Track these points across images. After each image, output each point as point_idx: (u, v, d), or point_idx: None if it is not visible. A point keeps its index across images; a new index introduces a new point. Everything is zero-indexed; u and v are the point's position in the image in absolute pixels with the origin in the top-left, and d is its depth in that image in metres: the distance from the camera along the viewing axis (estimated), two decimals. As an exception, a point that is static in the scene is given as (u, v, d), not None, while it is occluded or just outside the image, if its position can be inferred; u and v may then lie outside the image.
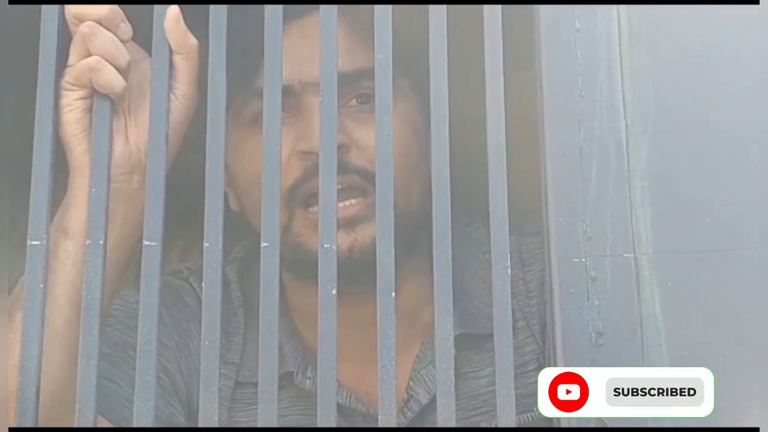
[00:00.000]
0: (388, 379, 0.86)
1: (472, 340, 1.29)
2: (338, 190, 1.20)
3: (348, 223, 1.23)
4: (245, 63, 0.93)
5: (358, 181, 1.23)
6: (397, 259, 0.88)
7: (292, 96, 1.25)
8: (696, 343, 0.88)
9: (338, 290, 0.87)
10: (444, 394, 0.85)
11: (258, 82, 0.91)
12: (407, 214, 1.24)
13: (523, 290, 1.35)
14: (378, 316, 0.86)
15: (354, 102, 1.27)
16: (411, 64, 1.07)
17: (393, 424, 0.84)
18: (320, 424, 0.83)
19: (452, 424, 0.84)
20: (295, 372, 1.30)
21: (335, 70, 0.90)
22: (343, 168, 1.20)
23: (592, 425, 0.86)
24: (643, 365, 0.88)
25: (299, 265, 1.24)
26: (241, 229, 1.30)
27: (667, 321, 0.89)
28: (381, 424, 0.84)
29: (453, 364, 0.86)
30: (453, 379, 0.85)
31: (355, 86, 1.26)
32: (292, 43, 1.20)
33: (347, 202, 1.23)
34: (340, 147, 1.21)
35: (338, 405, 1.26)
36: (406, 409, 1.30)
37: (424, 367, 1.31)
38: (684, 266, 0.89)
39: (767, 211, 0.90)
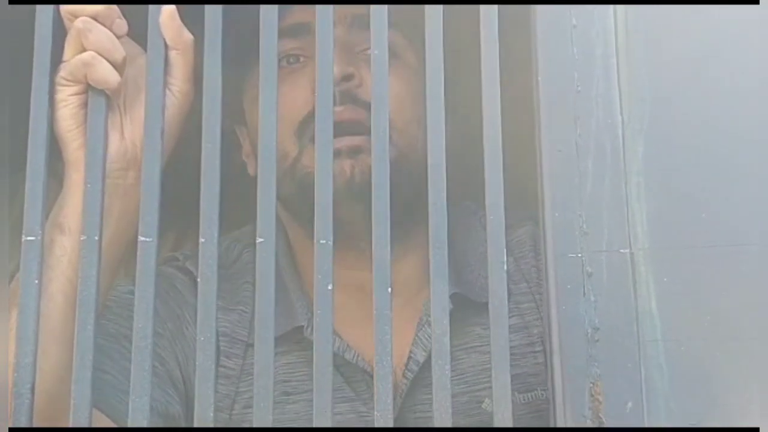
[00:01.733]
0: (384, 374, 0.86)
1: (468, 305, 1.31)
2: (345, 122, 1.22)
3: (351, 151, 1.25)
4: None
5: (365, 115, 1.24)
6: (401, 225, 0.88)
7: (310, 34, 1.26)
8: (692, 339, 0.88)
9: (338, 224, 0.87)
10: (440, 381, 0.85)
11: (282, 23, 0.91)
12: (409, 159, 1.27)
13: (534, 277, 1.37)
14: (374, 312, 0.86)
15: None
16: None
17: (390, 423, 0.84)
18: (316, 424, 0.83)
19: (447, 386, 0.85)
20: (305, 326, 1.31)
21: (331, 69, 0.90)
22: (352, 99, 1.26)
23: (589, 425, 0.86)
24: (639, 361, 0.88)
25: (304, 205, 1.25)
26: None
27: (663, 317, 0.89)
28: (377, 423, 0.84)
29: (448, 327, 0.86)
30: (448, 347, 0.85)
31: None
32: None
33: (353, 138, 1.25)
34: (351, 77, 1.26)
35: (346, 362, 1.30)
36: (407, 371, 1.31)
37: (421, 329, 1.32)
38: (680, 262, 0.89)
39: (764, 207, 0.90)
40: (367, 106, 1.22)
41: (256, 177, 1.30)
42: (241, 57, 1.20)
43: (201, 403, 0.86)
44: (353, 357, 1.31)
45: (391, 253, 0.87)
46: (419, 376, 1.31)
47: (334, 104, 0.91)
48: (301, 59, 1.31)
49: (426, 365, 1.30)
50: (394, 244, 0.88)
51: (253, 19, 0.92)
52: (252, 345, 1.28)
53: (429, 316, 1.28)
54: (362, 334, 1.29)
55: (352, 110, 1.26)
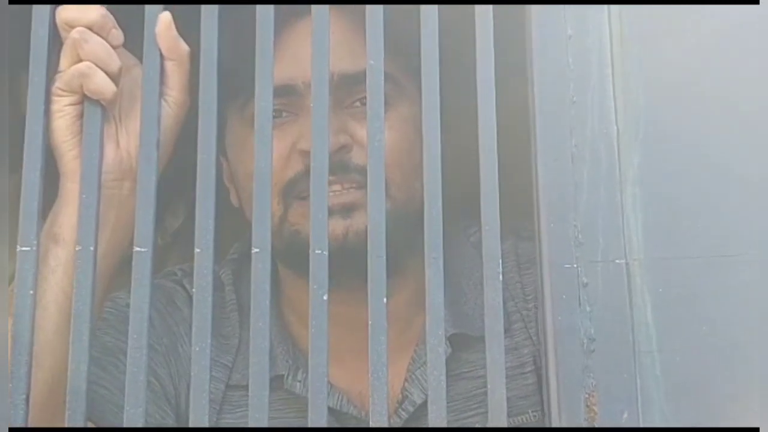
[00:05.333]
0: (379, 385, 0.85)
1: (467, 341, 1.30)
2: (339, 190, 1.21)
3: (344, 209, 1.23)
4: (249, 59, 0.92)
5: (359, 179, 1.23)
6: (395, 261, 0.88)
7: (295, 95, 1.26)
8: (688, 349, 0.88)
9: (332, 282, 0.87)
10: (435, 400, 0.85)
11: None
12: (407, 211, 1.25)
13: (520, 293, 1.35)
14: (369, 322, 0.86)
15: (358, 104, 1.27)
16: (419, 67, 1.08)
17: (385, 423, 0.83)
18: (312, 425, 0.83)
19: (443, 386, 0.84)
20: (285, 375, 1.29)
21: (327, 72, 0.90)
22: (344, 168, 1.24)
23: (585, 425, 0.86)
24: (634, 371, 0.88)
25: (295, 257, 1.24)
26: (236, 228, 1.30)
27: (658, 327, 0.89)
28: (372, 423, 0.84)
29: (444, 369, 0.86)
30: (444, 385, 0.85)
31: (359, 88, 1.25)
32: (297, 41, 1.22)
33: (345, 190, 1.24)
34: (342, 147, 1.23)
35: (330, 409, 1.26)
36: (400, 410, 1.29)
37: (419, 368, 1.30)
38: (676, 272, 0.90)
39: (759, 217, 0.90)
40: (357, 170, 1.22)
41: (237, 206, 1.31)
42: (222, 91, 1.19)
43: (195, 411, 0.85)
44: (337, 402, 1.29)
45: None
46: (414, 420, 1.29)
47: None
48: (284, 114, 1.28)
49: (423, 407, 1.28)
50: (387, 280, 0.88)
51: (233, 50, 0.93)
52: (237, 386, 1.29)
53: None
54: (346, 372, 1.27)
55: (342, 179, 1.24)
